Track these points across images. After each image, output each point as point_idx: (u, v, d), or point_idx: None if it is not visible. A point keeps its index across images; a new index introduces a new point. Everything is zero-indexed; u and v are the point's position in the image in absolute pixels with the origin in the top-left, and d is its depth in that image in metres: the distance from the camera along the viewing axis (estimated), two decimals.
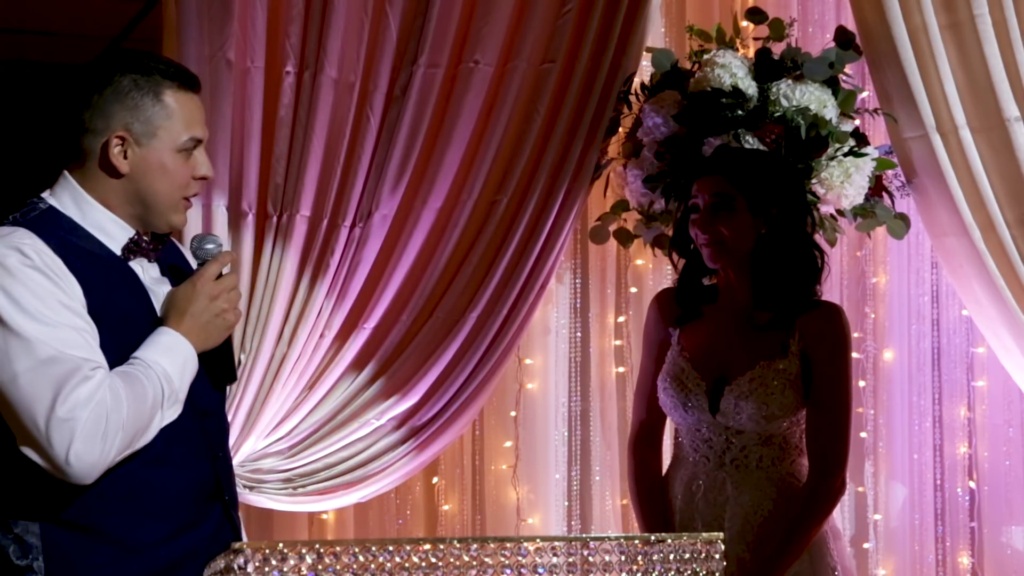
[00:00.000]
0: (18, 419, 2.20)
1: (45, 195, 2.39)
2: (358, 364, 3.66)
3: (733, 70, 3.52)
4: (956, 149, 3.53)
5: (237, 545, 1.94)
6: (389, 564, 1.96)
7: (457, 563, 1.97)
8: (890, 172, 3.69)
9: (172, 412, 2.32)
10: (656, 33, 3.95)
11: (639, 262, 4.04)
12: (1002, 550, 3.97)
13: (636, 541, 2.05)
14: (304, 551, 1.94)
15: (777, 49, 3.66)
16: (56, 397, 2.17)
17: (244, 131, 3.54)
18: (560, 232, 3.71)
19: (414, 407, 3.69)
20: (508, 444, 3.97)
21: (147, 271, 2.42)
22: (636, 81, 3.77)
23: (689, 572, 2.05)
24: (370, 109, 3.64)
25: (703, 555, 2.07)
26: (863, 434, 4.07)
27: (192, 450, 2.40)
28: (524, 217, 3.68)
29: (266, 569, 1.92)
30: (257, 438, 3.57)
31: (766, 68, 3.58)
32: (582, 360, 4.02)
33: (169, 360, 2.31)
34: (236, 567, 1.92)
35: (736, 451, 3.05)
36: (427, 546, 1.98)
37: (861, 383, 4.07)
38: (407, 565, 1.96)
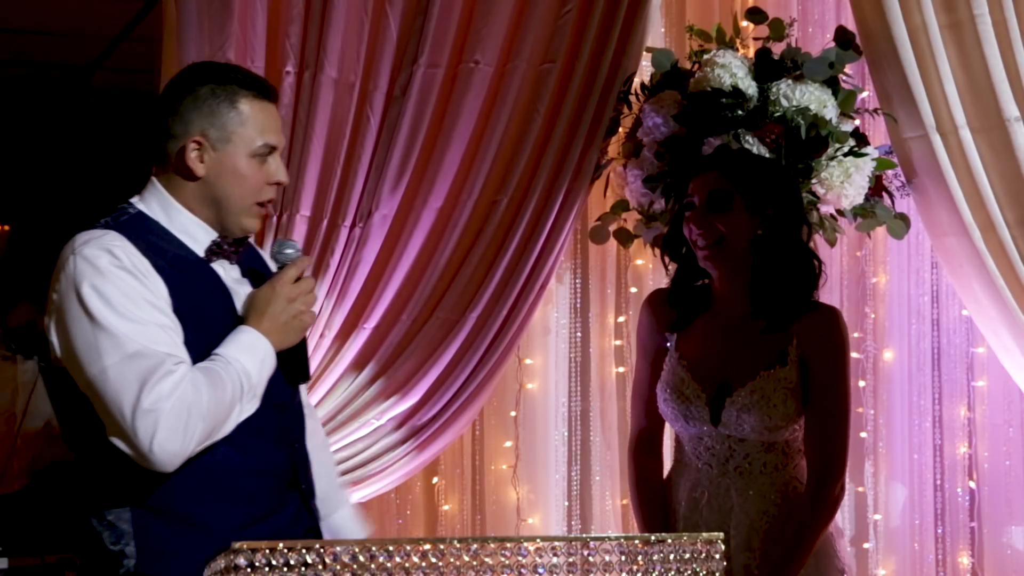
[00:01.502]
0: (106, 410, 2.33)
1: (134, 200, 2.54)
2: (358, 364, 3.66)
3: (733, 70, 3.52)
4: (956, 149, 3.53)
5: (237, 545, 1.95)
6: (389, 564, 1.96)
7: (457, 563, 1.97)
8: (890, 172, 3.69)
9: (250, 406, 2.44)
10: (656, 33, 3.95)
11: (639, 262, 4.04)
12: (1002, 550, 3.97)
13: (636, 541, 2.05)
14: (304, 551, 1.94)
15: (777, 49, 3.66)
16: (141, 389, 2.30)
17: None
18: (560, 232, 3.71)
19: (414, 407, 3.70)
20: (508, 444, 3.98)
21: (228, 272, 2.55)
22: (636, 81, 3.77)
23: (689, 572, 2.05)
24: (370, 109, 3.64)
25: (703, 555, 2.07)
26: (863, 434, 4.07)
27: (271, 441, 2.53)
28: (524, 217, 3.68)
29: (266, 569, 1.92)
30: None
31: (766, 68, 3.58)
32: (582, 360, 4.02)
33: (248, 357, 2.43)
34: (236, 567, 1.92)
35: (739, 458, 3.03)
36: (427, 546, 1.98)
37: (861, 383, 4.07)
38: (407, 565, 1.96)
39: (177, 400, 2.31)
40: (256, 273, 2.60)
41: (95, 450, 2.42)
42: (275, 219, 3.57)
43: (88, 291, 2.34)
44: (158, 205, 2.51)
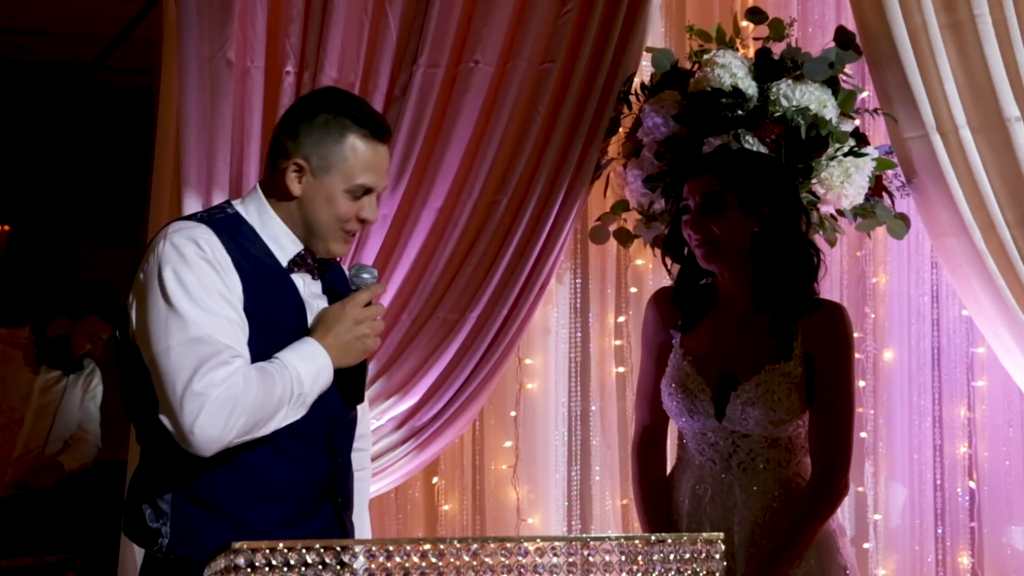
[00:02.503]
0: (161, 387, 2.45)
1: (235, 202, 2.67)
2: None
3: (733, 70, 3.52)
4: (956, 149, 3.53)
5: (237, 545, 1.95)
6: (389, 564, 1.96)
7: (457, 563, 1.97)
8: (890, 172, 3.69)
9: (296, 413, 2.53)
10: (656, 33, 3.95)
11: (639, 262, 4.04)
12: (1002, 550, 3.97)
13: (636, 541, 2.05)
14: (304, 551, 1.94)
15: (777, 49, 3.66)
16: (195, 371, 2.41)
17: (244, 131, 3.54)
18: (560, 232, 3.71)
19: (414, 407, 3.69)
20: (508, 444, 3.97)
21: (308, 286, 2.66)
22: (636, 81, 3.77)
23: (689, 572, 2.05)
24: None
25: (703, 555, 2.07)
26: (863, 434, 4.07)
27: (316, 451, 2.63)
28: (524, 217, 3.68)
29: (266, 569, 1.92)
30: None
31: (766, 68, 3.58)
32: (582, 360, 4.02)
33: (305, 366, 2.52)
34: (236, 567, 1.92)
35: (743, 454, 3.04)
36: (427, 546, 1.98)
37: (861, 383, 4.07)
38: (407, 565, 1.96)
39: (226, 389, 2.41)
40: (336, 294, 2.70)
41: (148, 430, 2.55)
42: None
43: (169, 274, 2.47)
44: (255, 210, 2.63)
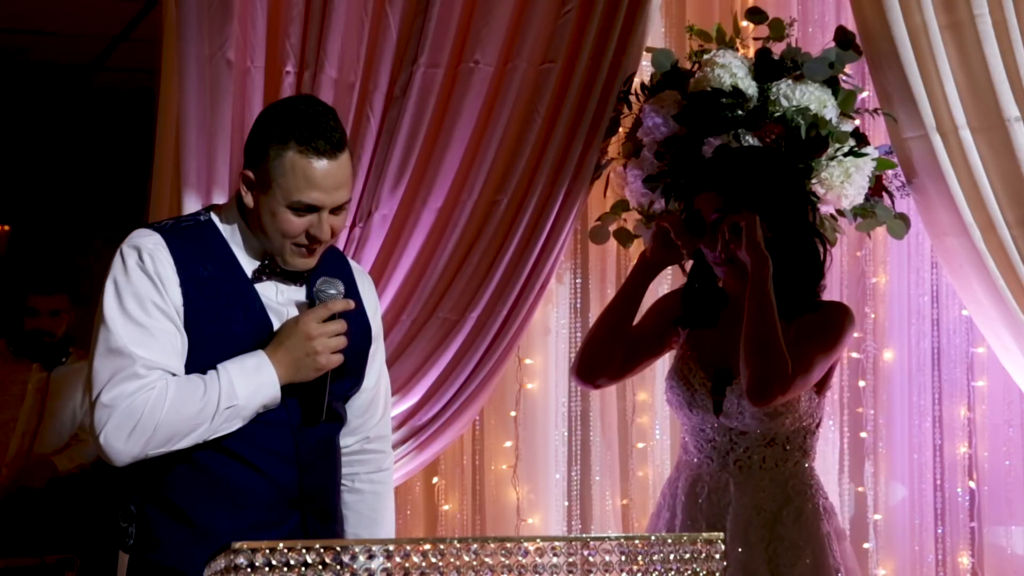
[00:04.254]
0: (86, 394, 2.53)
1: (212, 211, 2.64)
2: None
3: (733, 70, 3.52)
4: (956, 149, 3.53)
5: (237, 545, 1.95)
6: (389, 564, 1.96)
7: (457, 563, 1.97)
8: (890, 172, 3.69)
9: (228, 424, 2.51)
10: (656, 33, 3.95)
11: None
12: (1002, 550, 3.97)
13: (636, 541, 2.05)
14: (304, 551, 1.94)
15: (777, 49, 3.66)
16: (106, 384, 2.45)
17: (244, 131, 3.52)
18: (560, 232, 3.71)
19: (414, 407, 3.69)
20: (508, 444, 3.97)
21: (283, 293, 2.60)
22: (636, 81, 3.77)
23: (689, 572, 2.05)
24: (370, 109, 3.64)
25: (703, 555, 2.07)
26: (863, 434, 4.07)
27: (281, 461, 2.58)
28: (524, 217, 3.68)
29: (266, 569, 1.92)
30: None
31: (766, 68, 3.58)
32: None
33: (243, 379, 2.50)
34: (236, 567, 1.92)
35: (740, 452, 3.06)
36: (427, 546, 1.98)
37: (861, 383, 4.07)
38: (407, 565, 1.96)
39: (133, 402, 2.43)
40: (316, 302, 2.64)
41: None
42: None
43: (110, 283, 2.50)
44: (229, 218, 2.61)
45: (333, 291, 2.57)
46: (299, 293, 2.61)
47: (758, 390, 2.93)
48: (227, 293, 2.55)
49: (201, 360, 2.50)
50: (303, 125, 2.51)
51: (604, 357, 3.19)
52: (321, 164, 2.50)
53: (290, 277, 2.60)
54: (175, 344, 2.49)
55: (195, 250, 2.54)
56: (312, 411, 2.61)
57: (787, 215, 3.04)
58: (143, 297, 2.47)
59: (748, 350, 2.95)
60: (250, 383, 2.49)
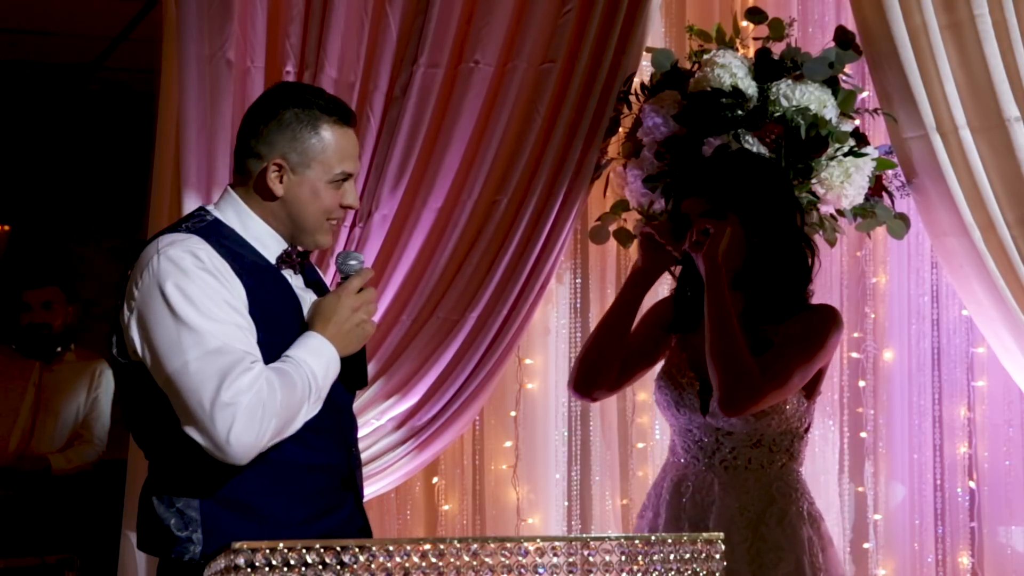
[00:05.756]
0: (185, 403, 2.42)
1: (210, 208, 2.65)
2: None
3: (733, 70, 3.52)
4: (956, 149, 3.53)
5: (237, 545, 1.95)
6: (389, 564, 1.96)
7: (457, 563, 1.98)
8: (890, 172, 3.69)
9: (316, 407, 2.54)
10: (656, 33, 3.95)
11: None
12: (1002, 550, 3.97)
13: (636, 541, 2.06)
14: (304, 551, 1.94)
15: (777, 49, 3.66)
16: (221, 383, 2.40)
17: None
18: (560, 232, 3.71)
19: (414, 407, 3.69)
20: (508, 444, 3.97)
21: (294, 281, 2.65)
22: (636, 81, 3.77)
23: (689, 572, 2.05)
24: (370, 109, 3.64)
25: (703, 555, 2.07)
26: (863, 434, 4.07)
27: (332, 442, 2.63)
28: (524, 217, 3.68)
29: (266, 569, 1.92)
30: None
31: (766, 68, 3.58)
32: None
33: (316, 360, 2.53)
34: (236, 567, 1.92)
35: (726, 452, 3.07)
36: (427, 546, 1.98)
37: (861, 383, 4.07)
38: (407, 565, 1.96)
39: (254, 395, 2.41)
40: (318, 284, 2.73)
41: (166, 443, 2.51)
42: None
43: (172, 289, 2.44)
44: (234, 214, 2.61)
45: (355, 262, 2.66)
46: (301, 281, 2.67)
47: (726, 400, 2.95)
48: (267, 283, 2.58)
49: (264, 350, 2.50)
50: (323, 99, 2.62)
51: (601, 371, 3.19)
52: (350, 132, 2.62)
53: (299, 265, 2.66)
54: (254, 336, 2.50)
55: (226, 246, 2.55)
56: (356, 379, 2.68)
57: (774, 219, 3.04)
58: (215, 296, 2.46)
59: (712, 362, 2.96)
60: (321, 363, 2.53)
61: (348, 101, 3.60)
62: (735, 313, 3.01)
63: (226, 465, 2.46)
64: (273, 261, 2.61)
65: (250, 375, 2.42)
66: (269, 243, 2.61)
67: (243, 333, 2.47)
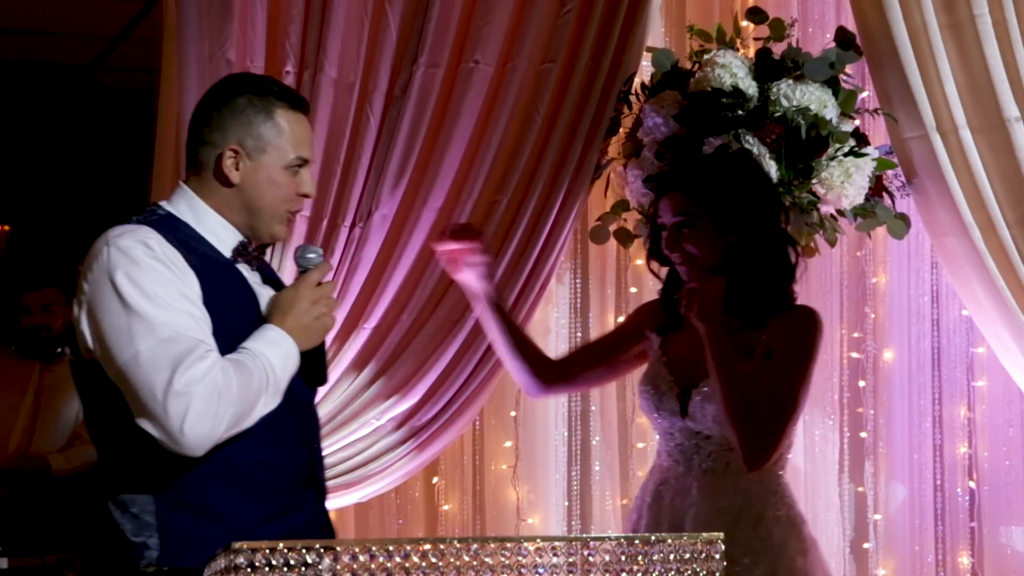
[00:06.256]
0: (137, 394, 2.36)
1: (163, 203, 2.59)
2: (358, 364, 3.65)
3: (733, 70, 3.52)
4: (956, 149, 3.53)
5: (236, 545, 1.95)
6: (389, 564, 1.96)
7: (457, 563, 1.97)
8: (890, 172, 3.69)
9: (273, 401, 2.47)
10: (656, 33, 3.95)
11: (639, 262, 4.04)
12: (1002, 550, 3.97)
13: (636, 541, 2.05)
14: (304, 551, 1.94)
15: (777, 49, 3.66)
16: (174, 372, 2.33)
17: None
18: (560, 232, 3.71)
19: (414, 407, 3.69)
20: (508, 444, 3.97)
21: (250, 277, 2.59)
22: (636, 81, 3.77)
23: (689, 572, 2.05)
24: (370, 109, 3.64)
25: (703, 555, 2.07)
26: (863, 434, 4.07)
27: (291, 438, 2.57)
28: (524, 217, 3.68)
29: (266, 569, 1.92)
30: None
31: (766, 68, 3.58)
32: None
33: (273, 352, 2.47)
34: (236, 567, 1.92)
35: (704, 455, 3.06)
36: (427, 546, 1.98)
37: (861, 383, 4.07)
38: (407, 565, 1.96)
39: (209, 384, 2.35)
40: (275, 282, 2.67)
41: (121, 442, 2.45)
42: None
43: (122, 279, 2.38)
44: (187, 207, 2.56)
45: (313, 255, 2.61)
46: (258, 277, 2.61)
47: (751, 461, 2.96)
48: (222, 276, 2.52)
49: (219, 343, 2.44)
50: (276, 86, 2.59)
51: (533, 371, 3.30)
52: (304, 119, 2.59)
53: (254, 260, 2.61)
54: (208, 327, 2.44)
55: (179, 239, 2.49)
56: (315, 375, 2.62)
57: (751, 219, 3.04)
58: (167, 285, 2.40)
59: (728, 424, 2.96)
60: (279, 355, 2.47)
61: (348, 101, 3.62)
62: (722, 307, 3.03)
63: (183, 466, 2.40)
64: (228, 255, 2.55)
65: (204, 363, 2.35)
66: (224, 236, 2.56)
67: (196, 323, 2.41)
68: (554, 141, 3.69)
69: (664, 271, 3.22)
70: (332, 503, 3.71)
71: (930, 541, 4.03)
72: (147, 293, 2.37)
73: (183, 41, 3.50)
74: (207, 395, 2.34)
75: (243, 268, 2.58)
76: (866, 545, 4.06)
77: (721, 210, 3.01)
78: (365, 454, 3.68)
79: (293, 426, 2.57)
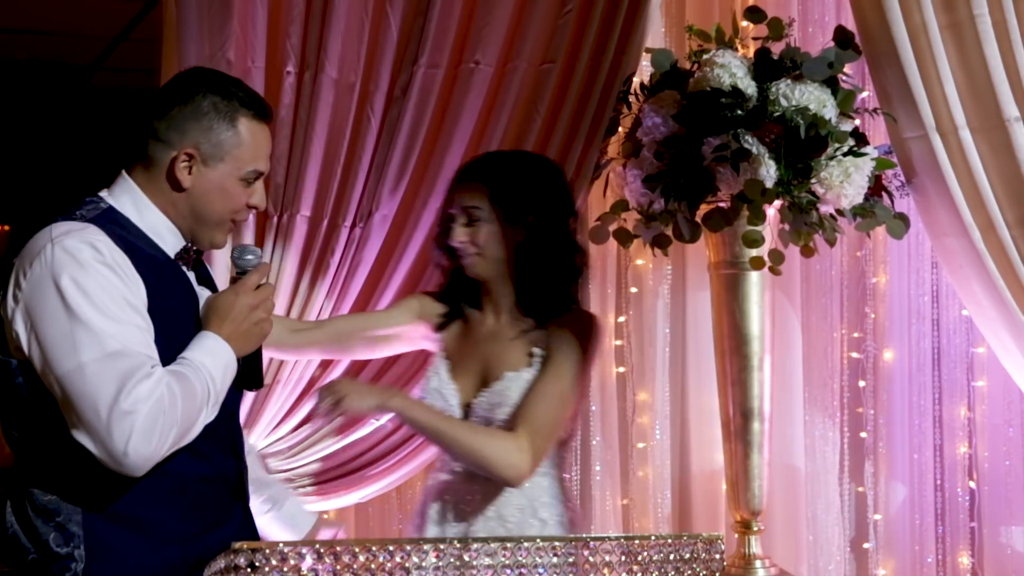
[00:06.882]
0: (77, 408, 2.26)
1: (103, 194, 2.48)
2: (359, 364, 3.65)
3: (732, 70, 3.52)
4: (956, 149, 3.52)
5: (237, 545, 1.95)
6: (389, 564, 1.96)
7: (457, 563, 1.98)
8: (889, 172, 3.69)
9: (213, 412, 2.40)
10: (656, 33, 3.95)
11: (639, 262, 4.04)
12: (1002, 550, 3.97)
13: (636, 541, 2.06)
14: (304, 551, 1.94)
15: (776, 49, 3.66)
16: (120, 390, 2.23)
17: None
18: None
19: None
20: None
21: (191, 275, 2.52)
22: (636, 81, 3.77)
23: (689, 572, 2.05)
24: (370, 109, 3.64)
25: (703, 555, 2.07)
26: (863, 434, 4.07)
27: (222, 449, 2.50)
28: None
29: (266, 569, 1.92)
30: (257, 438, 3.57)
31: (765, 68, 3.58)
32: None
33: (213, 362, 2.39)
34: (236, 567, 1.92)
35: None
36: (427, 546, 1.98)
37: (861, 383, 4.07)
38: (407, 565, 1.96)
39: (154, 404, 2.26)
40: (208, 281, 2.58)
41: (49, 447, 2.36)
42: (275, 219, 3.58)
43: (68, 283, 2.27)
44: (130, 202, 2.46)
45: (251, 256, 2.54)
46: (193, 276, 2.54)
47: (506, 482, 2.95)
48: (165, 278, 2.44)
49: (161, 349, 2.35)
50: (243, 91, 2.48)
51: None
52: (267, 129, 2.51)
53: (190, 261, 2.53)
54: (151, 336, 2.34)
55: (122, 237, 2.39)
56: (252, 379, 2.55)
57: (546, 221, 3.05)
58: (113, 292, 2.29)
59: (469, 466, 2.97)
60: (217, 364, 2.39)
61: (348, 101, 3.62)
62: (500, 313, 3.07)
63: (113, 475, 2.29)
64: (172, 255, 2.47)
65: (149, 382, 2.26)
66: (165, 236, 2.47)
67: (142, 335, 2.31)
68: (554, 141, 3.69)
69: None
70: (332, 503, 3.71)
71: (930, 541, 4.03)
72: (94, 301, 2.27)
73: (183, 41, 3.50)
74: (152, 415, 2.25)
75: (183, 269, 2.50)
76: (866, 545, 4.06)
77: (513, 204, 3.01)
78: (366, 455, 3.68)
79: (225, 436, 2.51)
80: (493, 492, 3.01)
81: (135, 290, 2.33)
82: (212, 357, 2.39)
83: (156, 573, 2.37)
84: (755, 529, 3.64)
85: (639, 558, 2.03)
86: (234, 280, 2.53)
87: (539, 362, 3.00)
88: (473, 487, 3.04)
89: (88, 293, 2.27)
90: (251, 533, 2.57)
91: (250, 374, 2.54)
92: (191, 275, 2.53)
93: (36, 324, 2.28)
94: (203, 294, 2.52)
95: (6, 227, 7.59)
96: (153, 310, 2.36)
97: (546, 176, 3.15)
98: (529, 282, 3.05)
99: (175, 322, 2.41)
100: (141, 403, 2.24)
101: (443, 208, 3.16)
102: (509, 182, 3.04)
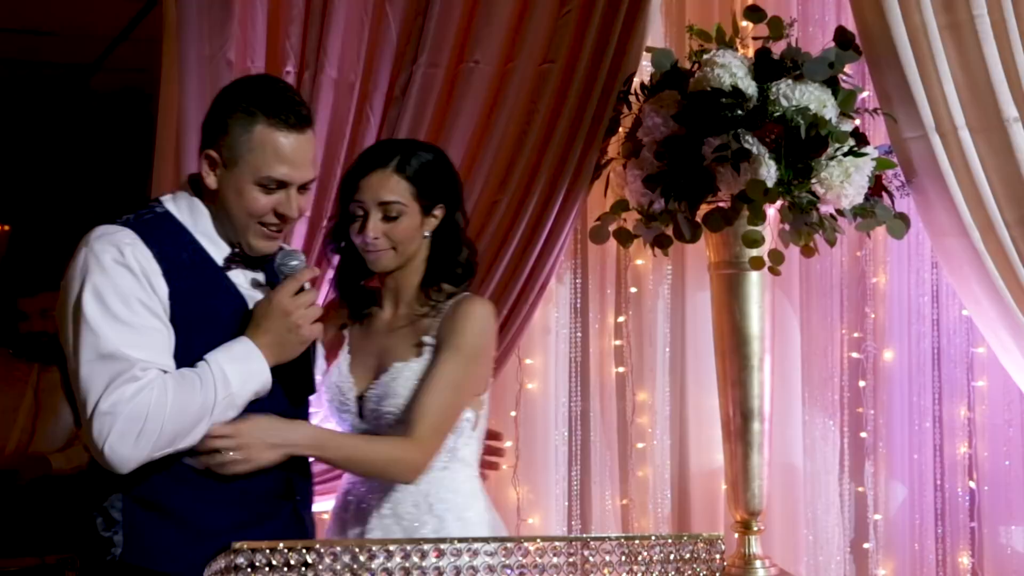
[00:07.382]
0: (78, 404, 2.39)
1: (165, 199, 2.56)
2: None
3: (733, 70, 3.52)
4: (956, 149, 3.53)
5: (237, 545, 1.95)
6: (389, 564, 1.96)
7: (458, 563, 1.98)
8: (890, 172, 3.69)
9: (227, 413, 2.44)
10: (656, 33, 3.95)
11: (639, 262, 4.04)
12: (1002, 550, 3.97)
13: (636, 541, 2.06)
14: (304, 551, 1.94)
15: (777, 49, 3.66)
16: (103, 391, 2.34)
17: None
18: (560, 232, 3.71)
19: None
20: (508, 444, 3.97)
21: (248, 278, 2.56)
22: (636, 81, 3.77)
23: (689, 572, 2.05)
24: (370, 109, 3.64)
25: (703, 555, 2.07)
26: (863, 434, 4.07)
27: None
28: (524, 217, 3.68)
29: (266, 569, 1.92)
30: None
31: (766, 68, 3.58)
32: (582, 360, 4.02)
33: (234, 367, 2.43)
34: (236, 567, 1.92)
35: None
36: (427, 546, 1.98)
37: (861, 383, 4.07)
38: (407, 565, 1.96)
39: (136, 406, 2.33)
40: (274, 284, 2.61)
41: None
42: None
43: (86, 285, 2.38)
44: (186, 207, 2.54)
45: (295, 262, 2.56)
46: (262, 277, 2.59)
47: (404, 480, 2.87)
48: (206, 280, 2.49)
49: (189, 351, 2.42)
50: (269, 98, 2.50)
51: None
52: (290, 138, 2.50)
53: (253, 262, 2.56)
54: (164, 340, 2.41)
55: (166, 243, 2.46)
56: (301, 388, 2.58)
57: (452, 207, 3.00)
58: (127, 294, 2.37)
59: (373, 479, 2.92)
60: (240, 370, 2.43)
61: (348, 101, 3.62)
62: (398, 305, 3.00)
63: (150, 466, 2.39)
64: (220, 261, 2.52)
65: (135, 385, 2.34)
66: (218, 241, 2.53)
67: (148, 337, 2.38)
68: (554, 141, 3.69)
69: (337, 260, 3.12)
70: (332, 503, 3.71)
71: (930, 541, 4.03)
72: (104, 303, 2.36)
73: (183, 41, 3.50)
74: (133, 417, 2.33)
75: (241, 273, 2.54)
76: (866, 545, 4.06)
77: (432, 199, 2.95)
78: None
79: None
80: (389, 488, 2.93)
81: (152, 293, 2.40)
82: (235, 362, 2.43)
83: (192, 567, 2.38)
84: (755, 529, 3.64)
85: (639, 558, 2.03)
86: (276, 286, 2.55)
87: (430, 351, 2.92)
88: (372, 483, 2.96)
89: (100, 295, 2.37)
90: (299, 531, 2.61)
91: (298, 382, 2.55)
92: (244, 278, 2.56)
93: (62, 322, 2.42)
94: (257, 297, 2.56)
95: (6, 227, 7.59)
96: (186, 315, 2.43)
97: (448, 163, 3.09)
98: (438, 268, 2.99)
99: (217, 326, 2.47)
100: (121, 404, 2.33)
101: (343, 202, 3.00)
102: (428, 174, 2.96)
